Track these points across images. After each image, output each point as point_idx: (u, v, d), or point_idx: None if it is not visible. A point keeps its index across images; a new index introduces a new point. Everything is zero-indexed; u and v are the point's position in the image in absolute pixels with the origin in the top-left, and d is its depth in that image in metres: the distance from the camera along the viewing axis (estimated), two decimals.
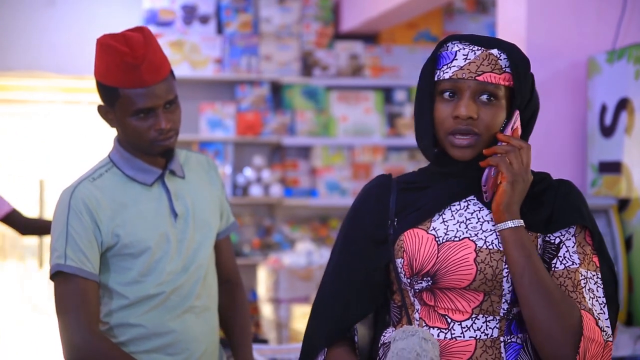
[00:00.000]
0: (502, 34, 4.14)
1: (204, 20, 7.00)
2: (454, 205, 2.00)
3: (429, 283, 1.95)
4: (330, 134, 7.10)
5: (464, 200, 2.00)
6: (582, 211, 1.97)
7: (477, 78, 1.93)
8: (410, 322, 1.99)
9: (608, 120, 3.76)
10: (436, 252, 1.95)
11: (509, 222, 1.90)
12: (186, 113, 6.31)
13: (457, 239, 1.95)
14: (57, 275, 2.44)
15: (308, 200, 7.01)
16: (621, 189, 3.67)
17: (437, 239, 1.96)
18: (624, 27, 3.96)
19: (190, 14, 6.98)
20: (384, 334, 2.05)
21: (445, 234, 1.96)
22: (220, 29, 7.08)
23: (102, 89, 2.49)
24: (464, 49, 1.96)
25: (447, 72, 1.96)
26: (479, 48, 1.95)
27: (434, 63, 1.99)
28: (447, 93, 1.95)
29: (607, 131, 3.77)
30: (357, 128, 7.12)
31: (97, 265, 2.47)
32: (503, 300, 1.94)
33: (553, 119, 3.99)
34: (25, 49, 7.00)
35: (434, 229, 1.98)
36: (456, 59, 1.95)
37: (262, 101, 7.02)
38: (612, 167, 3.73)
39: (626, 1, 3.94)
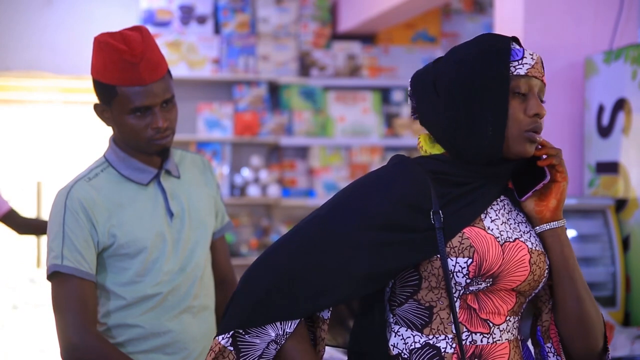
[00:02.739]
0: None
1: (202, 20, 7.00)
2: (494, 205, 1.97)
3: (489, 284, 1.90)
4: (328, 134, 7.10)
5: (499, 199, 1.98)
6: None
7: (542, 78, 1.94)
8: (456, 325, 1.89)
9: (605, 120, 3.76)
10: (502, 253, 1.90)
11: (562, 220, 1.96)
12: (184, 113, 6.33)
13: (510, 239, 1.93)
14: (54, 276, 2.44)
15: (306, 201, 7.01)
16: (618, 189, 3.67)
17: (498, 239, 1.91)
18: (621, 27, 3.96)
19: (187, 14, 6.98)
20: (415, 339, 1.92)
21: (500, 234, 1.93)
22: (217, 29, 7.08)
23: (99, 86, 2.49)
24: (525, 49, 1.95)
25: (521, 69, 1.91)
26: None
27: (503, 57, 1.92)
28: (520, 90, 1.91)
29: (605, 131, 3.77)
30: (355, 128, 7.12)
31: (94, 265, 2.47)
32: (526, 301, 1.97)
33: (550, 119, 3.98)
34: (23, 49, 6.99)
35: (489, 228, 1.92)
36: (525, 57, 1.92)
37: (260, 101, 7.02)
38: (609, 168, 3.73)
39: (623, 2, 3.95)
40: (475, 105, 1.90)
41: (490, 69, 1.90)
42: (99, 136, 7.05)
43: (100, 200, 2.49)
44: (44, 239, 3.89)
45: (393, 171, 1.96)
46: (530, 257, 1.92)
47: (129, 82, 2.43)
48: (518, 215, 1.98)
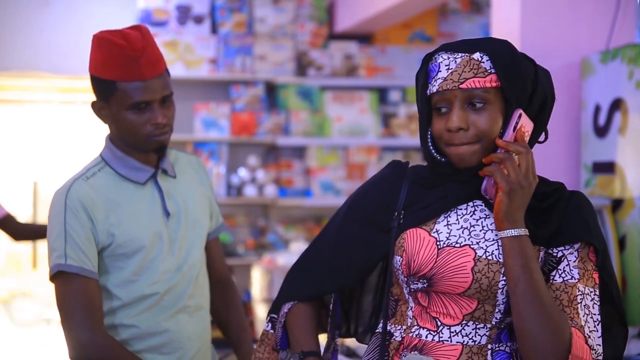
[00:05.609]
0: (496, 34, 4.14)
1: (199, 20, 7.00)
2: (461, 208, 1.98)
3: (425, 285, 1.94)
4: (325, 134, 7.10)
5: (471, 204, 1.98)
6: (589, 227, 1.93)
7: (460, 86, 1.89)
8: (403, 319, 1.99)
9: (602, 120, 3.77)
10: (435, 256, 1.93)
11: (508, 230, 1.87)
12: (180, 113, 6.30)
13: (458, 245, 1.93)
14: (58, 276, 2.43)
15: (302, 201, 7.01)
16: (615, 189, 3.67)
17: (438, 243, 1.94)
18: (617, 27, 3.97)
19: (184, 14, 6.98)
20: (381, 325, 2.05)
21: (447, 238, 1.94)
22: (214, 29, 7.08)
23: (98, 83, 2.48)
24: (447, 58, 1.93)
25: (434, 86, 1.93)
26: (461, 55, 1.92)
27: (425, 77, 1.97)
28: (440, 106, 1.93)
29: (601, 131, 3.77)
30: (352, 128, 7.12)
31: (96, 263, 2.46)
32: (496, 310, 1.92)
33: None
34: (21, 49, 6.99)
35: (436, 231, 1.96)
36: (440, 71, 1.92)
37: (257, 101, 7.02)
38: (605, 168, 3.74)
39: (620, 2, 3.95)
40: (420, 122, 2.01)
41: (416, 91, 2.00)
42: (97, 136, 7.04)
43: (98, 200, 2.48)
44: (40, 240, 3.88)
45: (378, 175, 2.13)
46: (475, 264, 1.90)
47: (129, 77, 2.43)
48: (493, 223, 1.95)
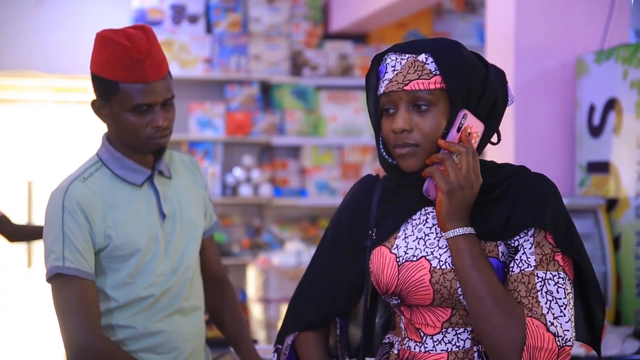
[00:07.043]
0: (491, 35, 4.15)
1: (193, 19, 6.99)
2: (414, 219, 1.97)
3: (398, 301, 1.96)
4: (320, 134, 7.10)
5: (423, 212, 1.96)
6: (542, 211, 1.85)
7: (404, 88, 1.88)
8: (399, 331, 2.01)
9: (596, 120, 3.77)
10: (397, 273, 1.93)
11: (452, 230, 1.85)
12: (175, 112, 6.31)
13: (415, 258, 1.92)
14: (56, 278, 2.42)
15: (297, 200, 7.01)
16: (609, 188, 3.68)
17: (397, 259, 1.94)
18: (612, 27, 3.98)
19: (179, 14, 6.98)
20: (387, 336, 2.08)
21: (405, 252, 1.94)
22: (209, 29, 7.08)
23: (100, 82, 2.46)
24: (394, 59, 1.91)
25: (382, 87, 1.92)
26: (407, 56, 1.90)
27: (376, 79, 1.96)
28: (387, 107, 1.92)
29: (596, 131, 3.78)
30: (347, 128, 7.13)
31: (93, 265, 2.46)
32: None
33: (541, 119, 4.00)
34: (15, 49, 6.98)
35: (397, 246, 1.96)
36: (387, 72, 1.91)
37: (252, 101, 7.02)
38: (600, 167, 3.75)
39: (614, 2, 3.96)
40: (372, 124, 2.01)
41: (367, 93, 1.99)
42: (91, 135, 7.04)
43: (95, 201, 2.47)
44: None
45: (351, 193, 2.14)
46: (432, 276, 1.90)
47: (133, 79, 2.42)
48: None
